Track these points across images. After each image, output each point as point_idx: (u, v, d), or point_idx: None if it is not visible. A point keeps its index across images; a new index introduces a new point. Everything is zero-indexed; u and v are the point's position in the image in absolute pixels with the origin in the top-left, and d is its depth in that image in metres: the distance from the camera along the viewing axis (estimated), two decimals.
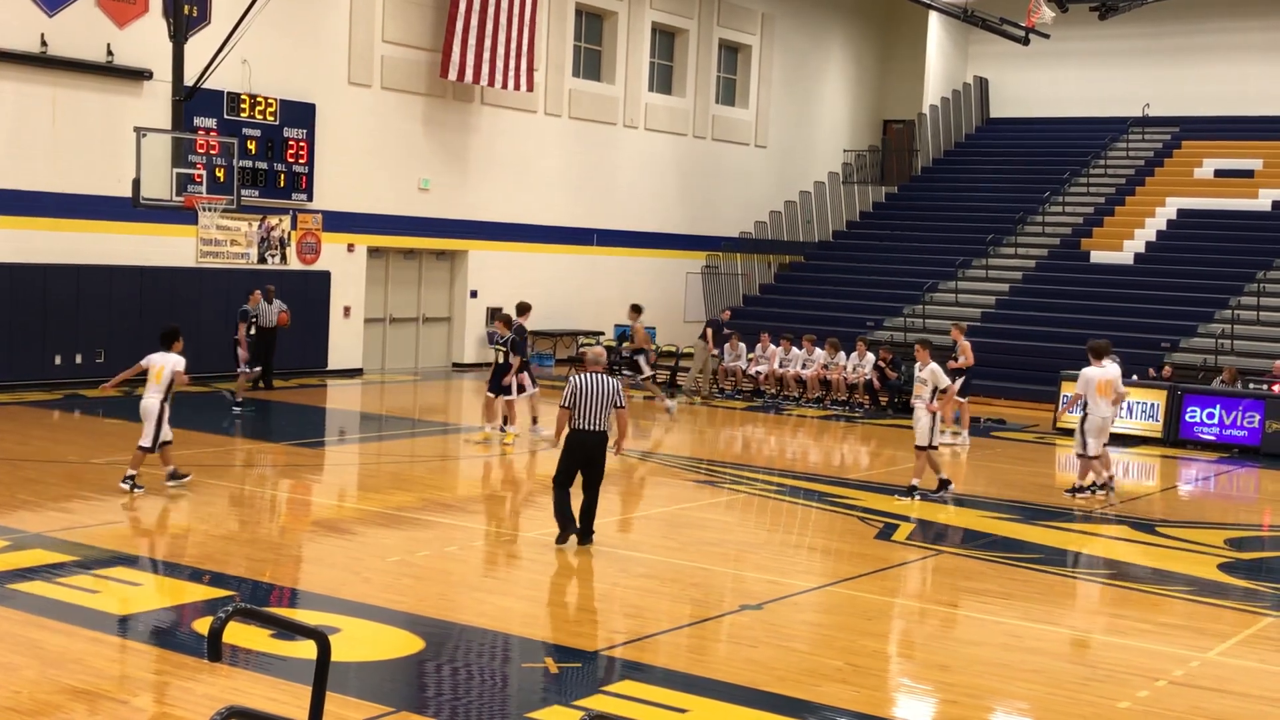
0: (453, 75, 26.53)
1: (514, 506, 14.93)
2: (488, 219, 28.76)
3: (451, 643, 9.20)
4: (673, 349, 28.30)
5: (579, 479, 12.05)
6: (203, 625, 9.03)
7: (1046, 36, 31.95)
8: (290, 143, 24.72)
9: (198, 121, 22.67)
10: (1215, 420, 20.98)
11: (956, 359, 20.18)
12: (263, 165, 24.29)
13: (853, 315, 29.20)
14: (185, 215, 21.90)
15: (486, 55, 26.88)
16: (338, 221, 25.88)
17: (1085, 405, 15.74)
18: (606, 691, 8.23)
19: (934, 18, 36.91)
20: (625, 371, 22.47)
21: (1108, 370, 15.81)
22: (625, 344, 23.29)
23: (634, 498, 15.03)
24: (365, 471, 16.71)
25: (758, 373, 25.81)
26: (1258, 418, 20.64)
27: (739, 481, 16.32)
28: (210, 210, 21.36)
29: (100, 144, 21.80)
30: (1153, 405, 21.44)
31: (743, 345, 26.23)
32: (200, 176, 20.42)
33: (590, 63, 31.39)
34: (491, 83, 27.20)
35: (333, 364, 25.82)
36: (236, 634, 8.55)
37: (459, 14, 26.34)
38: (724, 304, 31.48)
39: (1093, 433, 15.64)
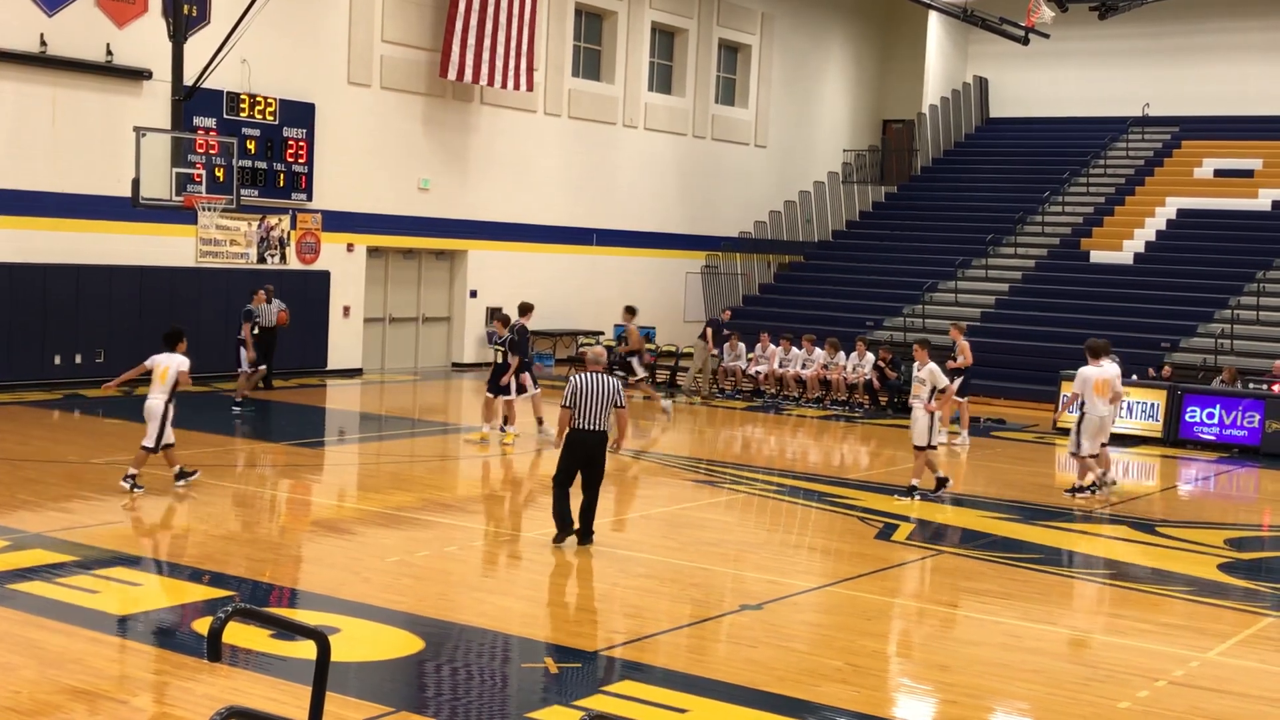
0: (452, 75, 26.53)
1: (514, 506, 14.93)
2: (487, 219, 28.76)
3: (451, 643, 9.20)
4: (672, 349, 28.31)
5: (580, 479, 12.07)
6: (202, 625, 9.03)
7: (1046, 36, 31.94)
8: (290, 142, 24.72)
9: (197, 121, 22.67)
10: (1215, 420, 20.98)
11: (955, 359, 20.18)
12: (262, 165, 24.29)
13: (852, 315, 29.20)
14: (185, 215, 21.89)
15: (486, 55, 26.88)
16: (337, 221, 25.88)
17: (1082, 405, 15.76)
18: (606, 691, 8.22)
19: (934, 17, 36.92)
20: (618, 373, 22.44)
21: (1105, 370, 15.82)
22: (619, 346, 23.27)
23: (634, 498, 15.03)
24: (365, 471, 16.71)
25: (757, 373, 25.82)
26: (1258, 417, 20.64)
27: (739, 481, 16.32)
28: (210, 210, 21.36)
29: (100, 144, 21.79)
30: (1153, 405, 21.44)
31: (742, 345, 26.24)
32: (200, 176, 20.42)
33: (590, 62, 31.39)
34: (491, 82, 27.20)
35: (332, 364, 25.82)
36: (236, 634, 8.55)
37: (458, 14, 26.34)
38: (724, 304, 31.49)
39: (1088, 432, 15.66)
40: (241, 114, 23.86)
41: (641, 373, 23.00)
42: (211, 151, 21.27)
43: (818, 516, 14.66)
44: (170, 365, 13.70)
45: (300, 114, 24.84)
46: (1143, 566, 12.71)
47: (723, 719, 7.85)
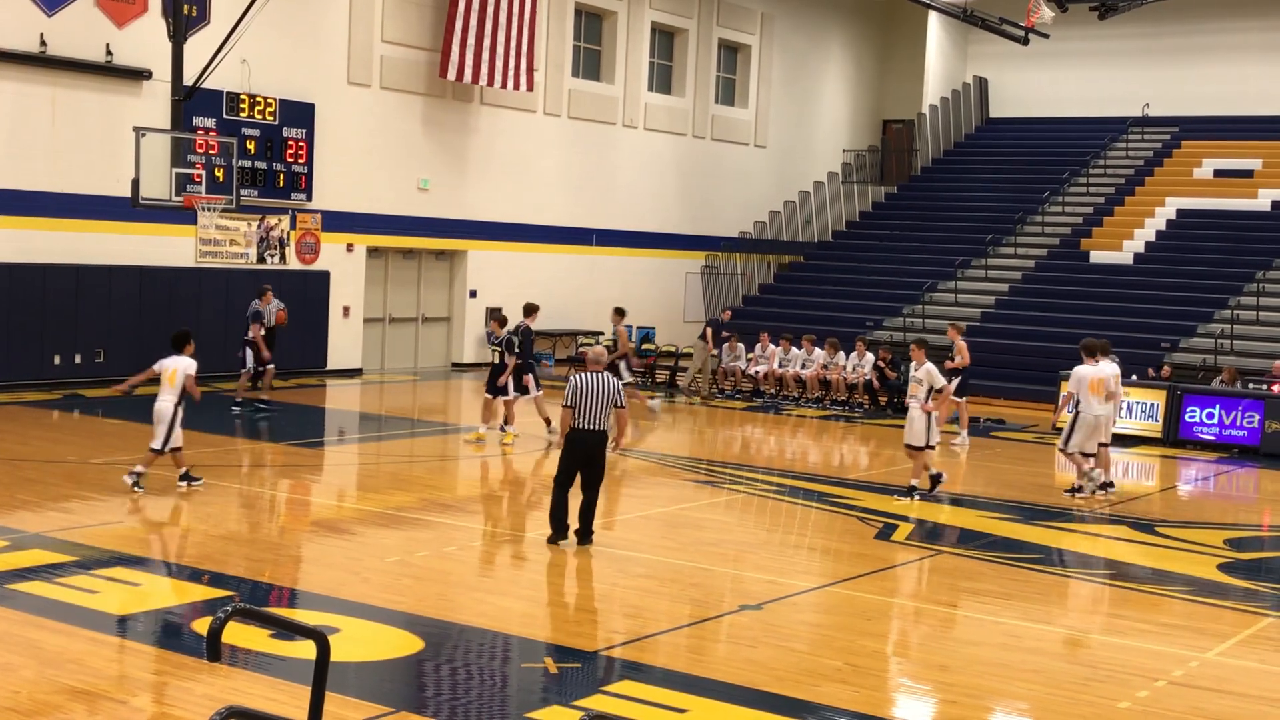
0: (452, 75, 26.53)
1: (513, 507, 14.93)
2: (487, 219, 28.76)
3: (451, 643, 9.20)
4: (672, 349, 28.31)
5: (580, 479, 12.08)
6: (202, 625, 9.03)
7: (1046, 36, 31.95)
8: (289, 142, 24.72)
9: (197, 121, 22.66)
10: (1215, 420, 20.98)
11: (953, 359, 20.19)
12: (262, 165, 24.29)
13: (852, 315, 29.20)
14: (184, 215, 21.89)
15: (486, 55, 26.88)
16: (337, 221, 25.88)
17: (1077, 403, 15.79)
18: (606, 691, 8.22)
19: (933, 18, 36.92)
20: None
21: (1100, 369, 15.85)
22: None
23: (633, 498, 15.03)
24: (364, 471, 16.71)
25: (757, 373, 25.82)
26: (1257, 418, 20.64)
27: (738, 482, 16.32)
28: (209, 210, 21.36)
29: (99, 144, 21.79)
30: (1152, 405, 21.44)
31: (741, 346, 26.25)
32: (199, 176, 20.43)
33: (590, 62, 31.39)
34: (491, 82, 27.20)
35: (332, 364, 25.82)
36: (236, 634, 8.55)
37: (458, 14, 26.34)
38: (723, 304, 31.48)
39: (1081, 430, 15.70)
40: (241, 114, 23.86)
41: (628, 377, 22.91)
42: (211, 151, 21.27)
43: (817, 517, 14.66)
44: (178, 368, 13.75)
45: (300, 114, 24.84)
46: (1142, 566, 12.71)
47: (722, 719, 7.85)
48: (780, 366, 25.48)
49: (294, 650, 8.47)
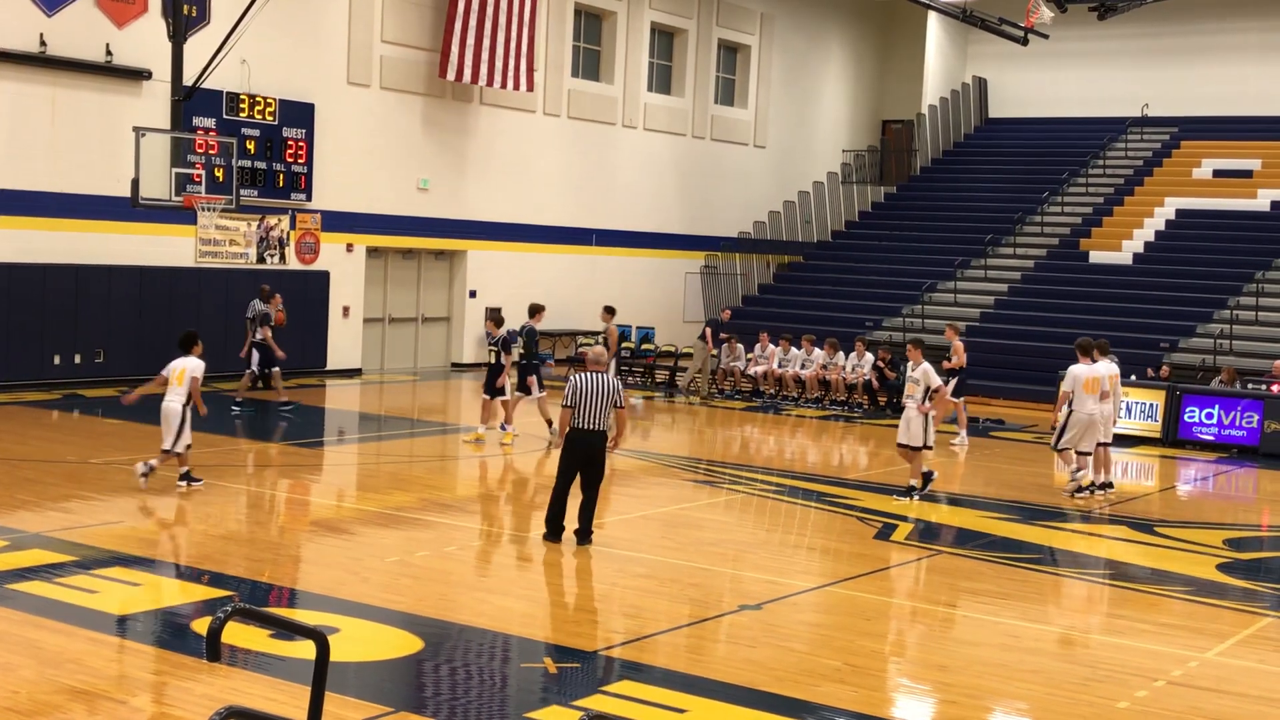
0: (451, 75, 26.54)
1: (513, 507, 14.93)
2: (487, 219, 28.77)
3: (450, 643, 9.20)
4: (672, 349, 28.32)
5: (579, 478, 12.09)
6: (202, 625, 9.03)
7: (1045, 37, 31.96)
8: (289, 143, 24.72)
9: (197, 121, 22.66)
10: (1214, 420, 20.99)
11: (950, 359, 20.21)
12: (261, 165, 24.29)
13: (851, 315, 29.21)
14: (184, 215, 21.90)
15: (485, 55, 26.88)
16: (336, 221, 25.88)
17: (1072, 402, 15.85)
18: (605, 691, 8.23)
19: (933, 18, 36.93)
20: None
21: (1095, 368, 15.89)
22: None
23: (633, 498, 15.03)
24: (364, 471, 16.72)
25: (756, 373, 25.82)
26: (1256, 418, 20.65)
27: (738, 482, 16.33)
28: (209, 210, 21.37)
29: (99, 144, 21.79)
30: (1151, 405, 21.44)
31: (740, 347, 26.25)
32: (199, 176, 20.43)
33: (589, 63, 31.39)
34: (490, 83, 27.21)
35: (331, 364, 25.82)
36: (235, 634, 8.55)
37: (458, 14, 26.34)
38: (723, 304, 31.48)
39: (1073, 428, 15.75)
40: (241, 114, 23.87)
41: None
42: (211, 151, 21.27)
43: (817, 516, 14.67)
44: (186, 368, 13.80)
45: (300, 114, 24.84)
46: (1141, 566, 12.72)
47: (722, 719, 7.86)
48: (779, 366, 25.49)
49: (293, 650, 8.47)
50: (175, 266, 23.31)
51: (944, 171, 36.83)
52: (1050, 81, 37.21)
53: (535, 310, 18.90)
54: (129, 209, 20.05)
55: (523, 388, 18.58)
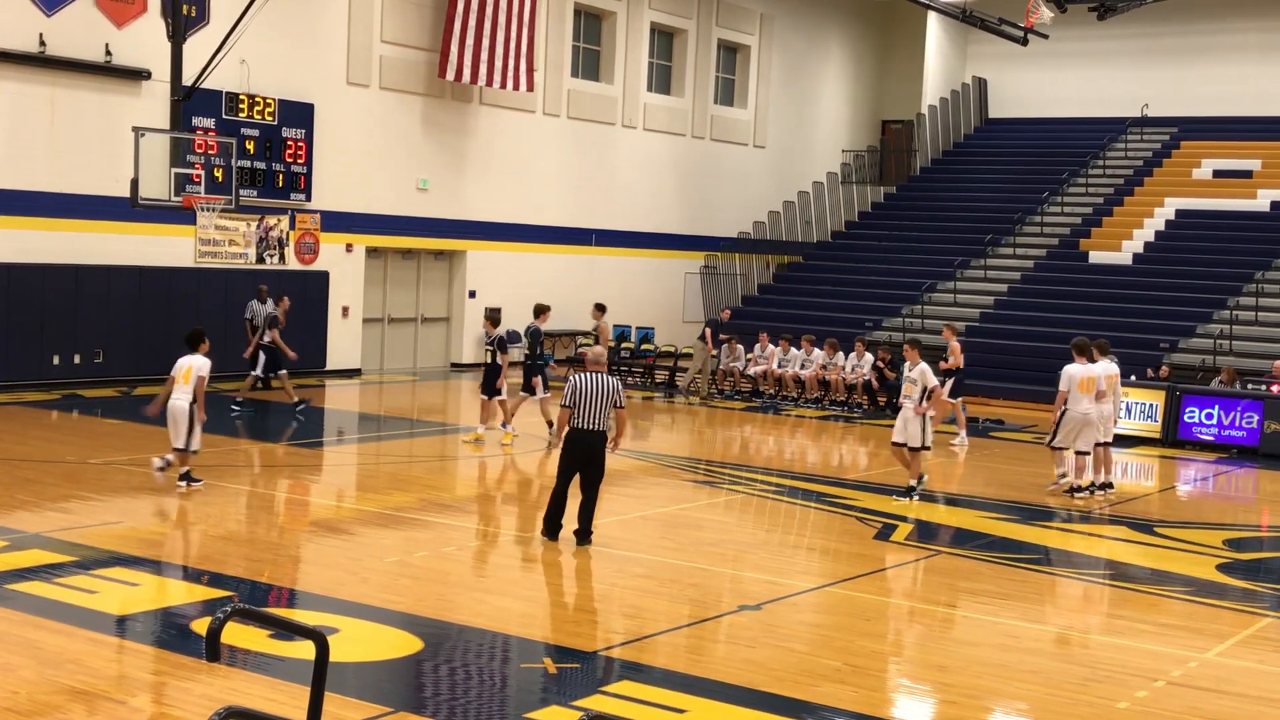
0: (451, 75, 26.53)
1: (512, 507, 14.92)
2: (486, 219, 28.77)
3: (450, 643, 9.20)
4: (671, 349, 28.32)
5: (579, 478, 12.09)
6: (201, 625, 9.03)
7: (1045, 37, 31.96)
8: (288, 143, 24.72)
9: (196, 121, 22.66)
10: (1214, 421, 20.99)
11: (946, 360, 20.21)
12: (261, 165, 24.29)
13: (851, 315, 29.21)
14: (183, 215, 21.90)
15: (485, 55, 26.88)
16: (336, 221, 25.88)
17: (1068, 401, 15.90)
18: (605, 692, 8.23)
19: (933, 18, 36.93)
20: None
21: (1090, 368, 15.92)
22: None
23: (633, 498, 15.02)
24: (363, 472, 16.72)
25: (756, 373, 25.82)
26: (1256, 418, 20.64)
27: (737, 482, 16.32)
28: (208, 210, 21.36)
29: (98, 144, 21.79)
30: (1151, 406, 21.44)
31: (740, 347, 26.24)
32: (198, 176, 20.42)
33: (589, 63, 31.39)
34: (490, 83, 27.21)
35: (331, 364, 25.82)
36: (235, 634, 8.55)
37: (457, 14, 26.34)
38: (723, 304, 31.47)
39: (1066, 427, 15.77)
40: (240, 114, 23.86)
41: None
42: (210, 152, 21.27)
43: (816, 517, 14.66)
44: (192, 366, 13.79)
45: (299, 114, 24.84)
46: (1141, 567, 12.71)
47: (721, 719, 7.86)
48: (779, 367, 25.48)
49: (293, 650, 8.47)
50: (174, 267, 23.31)
51: (944, 172, 36.83)
52: (1050, 82, 37.21)
53: (540, 310, 18.89)
54: (128, 209, 20.04)
55: (527, 388, 18.58)
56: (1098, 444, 16.22)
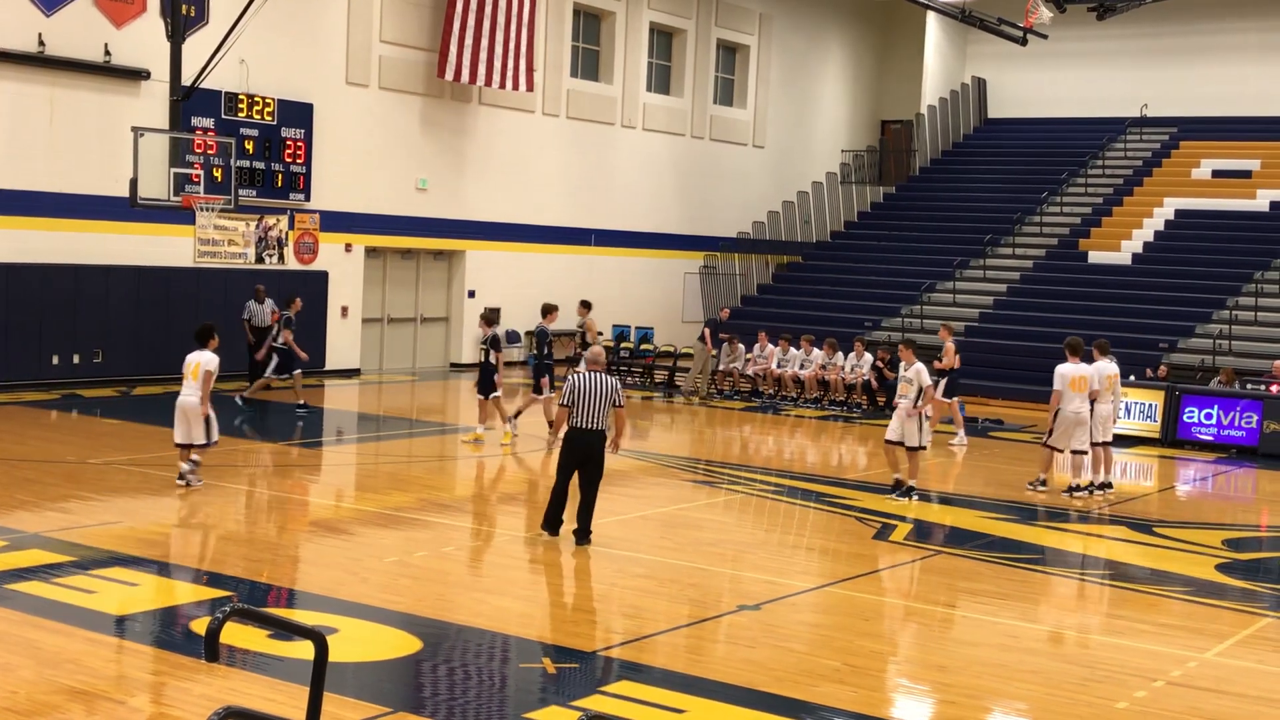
0: (450, 75, 26.53)
1: (511, 507, 14.91)
2: (485, 219, 28.76)
3: (449, 643, 9.19)
4: (671, 349, 28.31)
5: (578, 477, 12.09)
6: (200, 625, 9.02)
7: (1044, 37, 31.96)
8: (288, 142, 24.72)
9: (195, 121, 22.65)
10: (1213, 421, 20.99)
11: (940, 359, 20.21)
12: (260, 165, 24.28)
13: (850, 315, 29.20)
14: (183, 215, 21.89)
15: (484, 55, 26.88)
16: (335, 221, 25.87)
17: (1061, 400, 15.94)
18: (604, 692, 8.22)
19: (932, 18, 36.93)
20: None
21: (1082, 367, 15.96)
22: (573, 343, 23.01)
23: (632, 498, 15.02)
24: (363, 472, 16.71)
25: (754, 373, 25.81)
26: (1255, 418, 20.65)
27: (737, 482, 16.32)
28: (208, 210, 21.36)
29: (98, 144, 21.78)
30: (1150, 406, 21.44)
31: (741, 346, 26.23)
32: (198, 176, 20.41)
33: (588, 63, 31.39)
34: (489, 83, 27.20)
35: (330, 364, 25.81)
36: (234, 634, 8.55)
37: (456, 14, 26.34)
38: (722, 304, 31.46)
39: (1060, 426, 15.79)
40: (240, 114, 23.86)
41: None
42: (210, 151, 21.26)
43: (815, 517, 14.66)
44: (200, 362, 13.81)
45: (298, 114, 24.84)
46: (1141, 567, 12.71)
47: (721, 719, 7.85)
48: (778, 367, 25.48)
49: (292, 650, 8.46)
50: (174, 266, 23.30)
51: (943, 172, 36.83)
52: (1049, 82, 37.22)
53: (547, 310, 18.88)
54: (127, 209, 20.03)
55: (538, 388, 18.59)
56: (1097, 444, 16.23)
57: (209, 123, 23.14)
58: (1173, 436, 21.16)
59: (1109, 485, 16.39)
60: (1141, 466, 19.82)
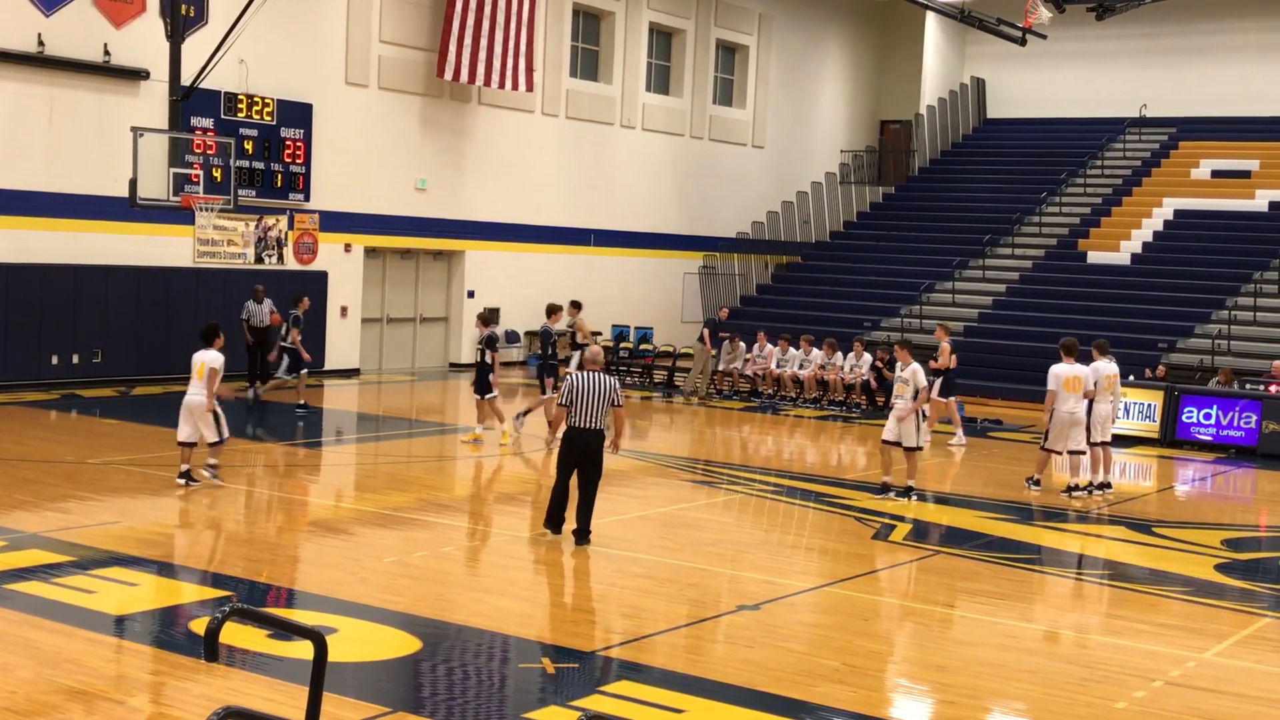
0: (449, 75, 26.54)
1: (510, 507, 14.91)
2: (485, 219, 28.76)
3: (448, 643, 9.20)
4: (670, 349, 28.32)
5: (577, 477, 12.10)
6: (200, 625, 9.02)
7: (1043, 37, 31.96)
8: (287, 143, 24.72)
9: (195, 121, 22.65)
10: (1212, 421, 20.99)
11: (935, 359, 20.22)
12: (260, 165, 24.28)
13: (850, 315, 29.21)
14: (182, 215, 21.89)
15: (483, 55, 26.88)
16: (335, 221, 25.88)
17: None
18: (603, 692, 8.23)
19: (931, 18, 36.93)
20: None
21: (1075, 367, 15.96)
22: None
23: (631, 498, 15.02)
24: (362, 472, 16.71)
25: (753, 372, 25.81)
26: (1254, 418, 20.65)
27: (736, 482, 16.32)
28: (207, 210, 21.35)
29: (97, 144, 21.78)
30: (1150, 406, 21.45)
31: (742, 345, 26.23)
32: (197, 176, 20.42)
33: (587, 63, 31.39)
34: (488, 83, 27.21)
35: (330, 364, 25.80)
36: (233, 634, 8.55)
37: (456, 14, 26.34)
38: (721, 305, 31.45)
39: (1055, 427, 15.79)
40: (239, 114, 23.86)
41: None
42: (209, 152, 21.27)
43: (815, 517, 14.67)
44: (205, 361, 13.84)
45: (298, 114, 24.84)
46: (1140, 567, 12.71)
47: (720, 719, 7.86)
48: (778, 367, 25.48)
49: (291, 650, 8.47)
50: (173, 266, 23.30)
51: (942, 172, 36.84)
52: (1048, 82, 37.22)
53: (552, 311, 18.88)
54: (127, 209, 20.03)
55: (542, 388, 18.59)
56: (1096, 444, 16.24)
57: (208, 123, 23.15)
58: (1172, 436, 21.17)
59: (1108, 485, 16.39)
60: (1140, 466, 19.82)
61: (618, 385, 12.26)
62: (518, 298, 28.89)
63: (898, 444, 15.18)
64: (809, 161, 37.07)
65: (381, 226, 26.80)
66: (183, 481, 13.85)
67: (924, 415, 15.38)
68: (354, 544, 12.00)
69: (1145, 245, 30.42)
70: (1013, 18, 30.78)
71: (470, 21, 26.55)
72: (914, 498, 15.14)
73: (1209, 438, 20.96)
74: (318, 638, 5.49)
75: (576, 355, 21.34)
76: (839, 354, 25.05)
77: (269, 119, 24.35)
